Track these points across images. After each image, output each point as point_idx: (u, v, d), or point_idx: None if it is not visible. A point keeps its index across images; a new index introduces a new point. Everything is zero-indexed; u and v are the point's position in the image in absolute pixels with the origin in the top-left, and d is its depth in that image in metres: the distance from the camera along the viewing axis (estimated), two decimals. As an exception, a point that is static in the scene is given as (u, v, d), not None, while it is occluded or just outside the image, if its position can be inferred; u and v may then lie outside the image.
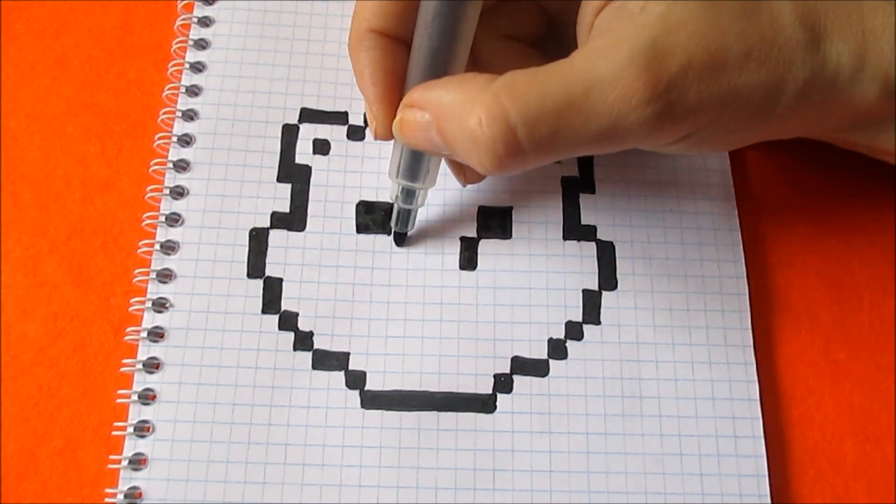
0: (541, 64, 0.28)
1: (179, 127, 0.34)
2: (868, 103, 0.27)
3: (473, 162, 0.25)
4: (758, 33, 0.25)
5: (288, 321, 0.31)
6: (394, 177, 0.30)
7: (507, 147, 0.24)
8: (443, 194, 0.34)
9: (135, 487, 0.29)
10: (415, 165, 0.29)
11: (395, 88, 0.28)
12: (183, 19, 0.36)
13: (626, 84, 0.24)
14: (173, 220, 0.32)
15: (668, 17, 0.24)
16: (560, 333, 0.32)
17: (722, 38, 0.24)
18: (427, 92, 0.26)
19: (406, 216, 0.32)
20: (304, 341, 0.31)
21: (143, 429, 0.29)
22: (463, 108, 0.25)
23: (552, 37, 0.31)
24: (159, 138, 0.34)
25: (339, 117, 0.35)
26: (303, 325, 0.31)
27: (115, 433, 0.29)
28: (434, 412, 0.30)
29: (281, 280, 0.32)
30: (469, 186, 0.34)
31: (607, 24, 0.26)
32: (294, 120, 0.35)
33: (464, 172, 0.32)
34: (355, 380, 0.31)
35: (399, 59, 0.28)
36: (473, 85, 0.25)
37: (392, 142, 0.29)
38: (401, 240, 0.33)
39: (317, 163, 0.34)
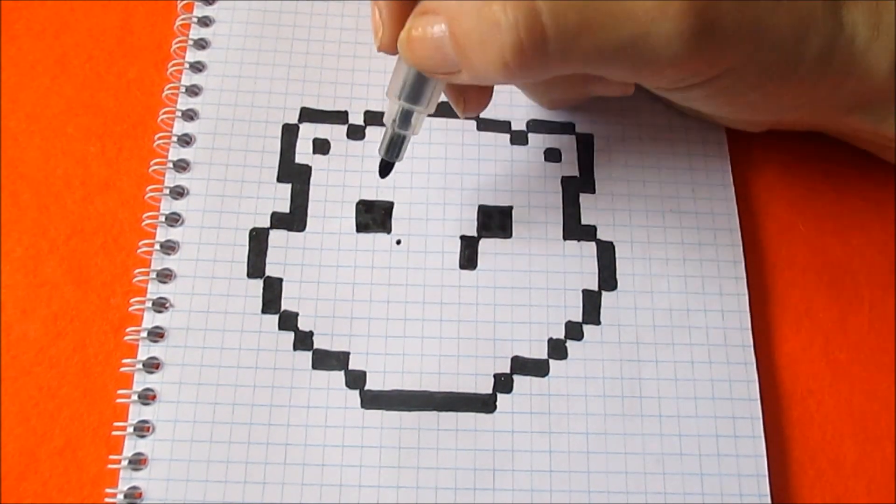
0: None
1: (179, 127, 0.34)
2: (880, 77, 0.27)
3: (491, 59, 0.23)
4: None
5: (288, 321, 0.31)
6: (394, 96, 0.28)
7: (530, 33, 0.22)
8: (443, 193, 0.34)
9: (135, 487, 0.29)
10: (420, 85, 0.27)
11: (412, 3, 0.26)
12: (183, 19, 0.36)
13: None
14: (173, 220, 0.32)
15: None
16: (560, 333, 0.32)
17: None
18: None
19: (399, 143, 0.29)
20: (304, 341, 0.31)
21: (143, 429, 0.29)
22: (483, 2, 0.23)
23: None
24: (159, 138, 0.34)
25: (339, 117, 0.35)
26: (303, 324, 0.31)
27: (115, 433, 0.29)
28: (434, 412, 0.30)
29: (281, 280, 0.32)
30: (469, 185, 0.34)
31: None
32: (294, 120, 0.35)
33: (464, 99, 0.30)
34: (355, 379, 0.31)
35: None
36: None
37: (397, 57, 0.28)
38: (387, 170, 0.31)
39: (317, 162, 0.34)
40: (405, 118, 0.29)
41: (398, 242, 0.33)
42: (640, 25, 0.23)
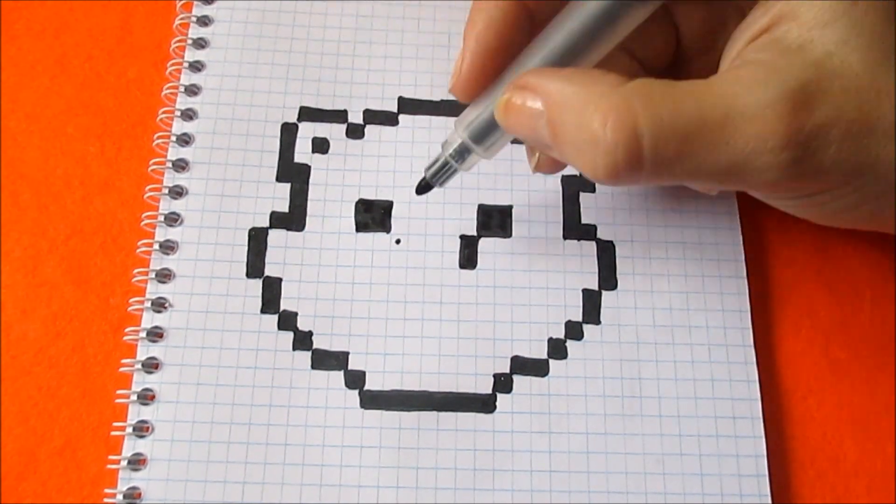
0: None
1: (178, 126, 0.34)
2: None
3: (584, 164, 0.23)
4: None
5: (287, 321, 0.31)
6: (460, 129, 0.28)
7: (628, 156, 0.22)
8: (442, 193, 0.34)
9: (134, 487, 0.29)
10: (489, 130, 0.27)
11: (497, 54, 0.26)
12: (182, 18, 0.36)
13: (767, 122, 0.22)
14: (172, 219, 0.32)
15: (826, 64, 0.23)
16: (560, 333, 0.32)
17: (877, 102, 0.23)
18: (546, 79, 0.24)
19: (447, 173, 0.29)
20: (303, 341, 0.31)
21: (142, 429, 0.29)
22: (586, 104, 0.23)
23: (674, 70, 0.29)
24: (158, 138, 0.34)
25: (338, 116, 0.35)
26: (302, 324, 0.31)
27: (114, 433, 0.29)
28: (433, 412, 0.30)
29: (280, 280, 0.32)
30: (469, 185, 0.33)
31: (756, 55, 0.24)
32: (293, 119, 0.35)
33: (541, 160, 0.29)
34: (354, 379, 0.31)
35: (518, 31, 0.26)
36: (602, 82, 0.23)
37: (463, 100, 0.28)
38: (426, 190, 0.30)
39: (316, 162, 0.34)
40: (462, 153, 0.28)
41: (398, 242, 0.33)
42: (739, 154, 0.23)
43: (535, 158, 0.29)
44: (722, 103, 0.22)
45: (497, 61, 0.26)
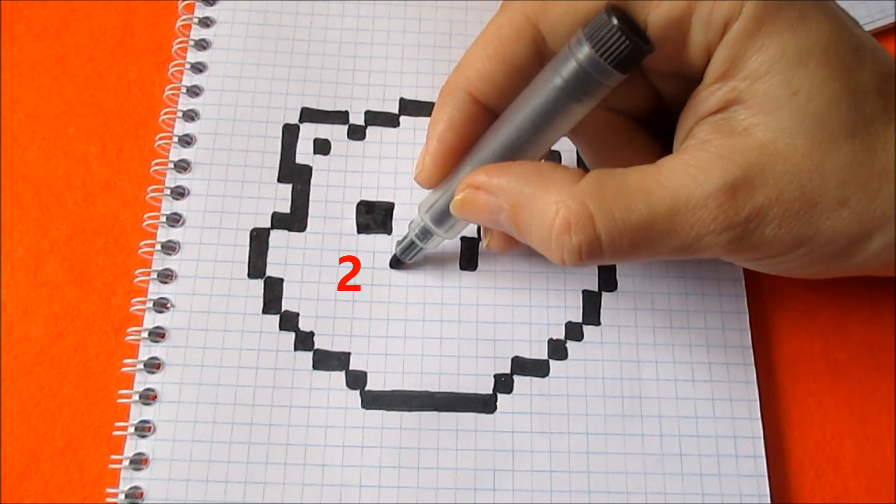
0: (638, 139, 0.28)
1: (180, 127, 0.34)
2: None
3: (549, 255, 0.26)
4: (862, 184, 0.24)
5: (289, 321, 0.31)
6: (422, 212, 0.30)
7: (590, 252, 0.25)
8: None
9: (136, 487, 0.29)
10: (446, 216, 0.29)
11: (457, 150, 0.28)
12: (184, 20, 0.36)
13: (709, 210, 0.24)
14: (174, 220, 0.33)
15: (769, 147, 0.24)
16: (560, 334, 0.32)
17: (820, 182, 0.24)
18: (499, 178, 0.26)
19: (414, 251, 0.32)
20: (304, 341, 0.31)
21: (144, 429, 0.29)
22: (546, 206, 0.25)
23: (659, 117, 0.30)
24: (160, 138, 0.34)
25: (340, 117, 0.35)
26: (303, 325, 0.31)
27: (116, 433, 0.29)
28: (434, 412, 0.30)
29: (282, 280, 0.32)
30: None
31: (705, 135, 0.25)
32: (294, 120, 0.35)
33: (491, 239, 0.31)
34: (356, 380, 0.31)
35: (477, 127, 0.28)
36: (554, 181, 0.25)
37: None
38: (397, 266, 0.33)
39: (317, 163, 0.34)
40: (425, 233, 0.30)
41: (399, 243, 0.33)
42: (685, 239, 0.25)
43: (489, 239, 0.31)
44: (669, 196, 0.24)
45: (458, 155, 0.28)
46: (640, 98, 0.29)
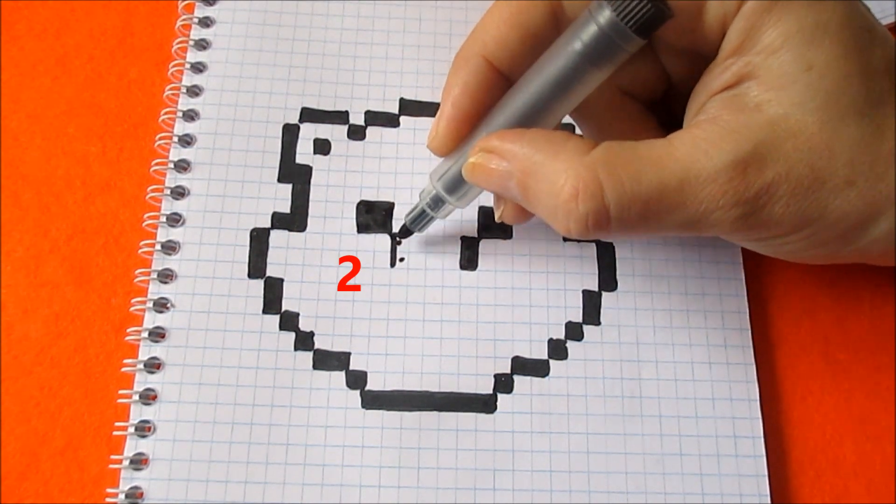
0: (647, 126, 0.28)
1: (180, 127, 0.34)
2: None
3: (556, 224, 0.25)
4: (869, 163, 0.24)
5: (289, 321, 0.31)
6: (434, 180, 0.30)
7: (597, 222, 0.24)
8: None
9: (136, 487, 0.29)
10: (460, 182, 0.29)
11: (472, 116, 0.28)
12: (184, 20, 0.36)
13: (719, 184, 0.24)
14: (174, 220, 0.33)
15: (780, 124, 0.24)
16: (560, 334, 0.32)
17: (829, 160, 0.24)
18: (512, 144, 0.26)
19: (424, 220, 0.31)
20: (304, 341, 0.31)
21: (144, 429, 0.29)
22: (556, 173, 0.25)
23: (666, 102, 0.30)
24: (160, 138, 0.34)
25: (340, 117, 0.35)
26: (304, 325, 0.31)
27: (116, 433, 0.29)
28: (435, 412, 0.30)
29: (282, 280, 0.32)
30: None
31: (717, 111, 0.25)
32: (295, 120, 0.35)
33: (504, 209, 0.30)
34: (356, 380, 0.31)
35: (492, 93, 0.28)
36: (566, 149, 0.25)
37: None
38: (405, 235, 0.32)
39: (317, 163, 0.34)
40: (436, 202, 0.30)
41: (399, 243, 0.33)
42: (694, 213, 0.24)
43: (501, 209, 0.30)
44: (679, 168, 0.24)
45: (472, 121, 0.28)
46: (651, 79, 0.29)
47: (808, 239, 0.26)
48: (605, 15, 0.24)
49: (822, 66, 0.24)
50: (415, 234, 0.32)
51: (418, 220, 0.31)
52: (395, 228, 0.33)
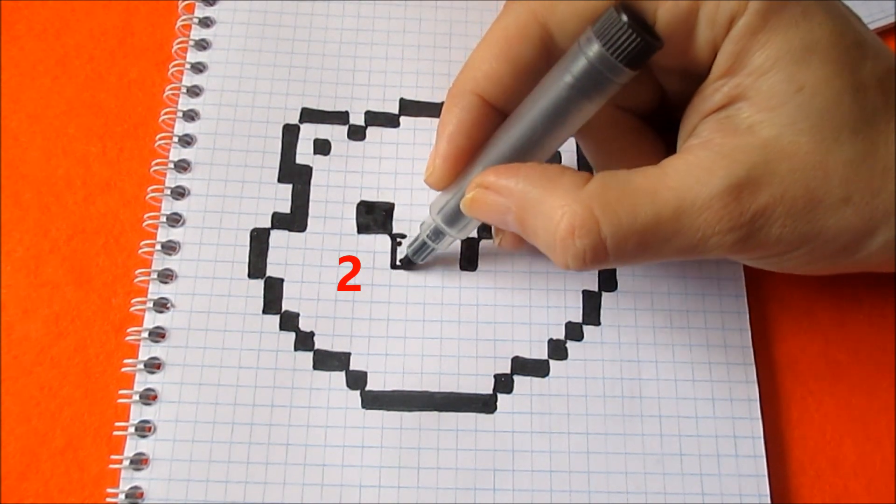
0: (644, 138, 0.28)
1: (180, 127, 0.34)
2: None
3: (554, 258, 0.26)
4: (865, 181, 0.24)
5: (289, 321, 0.31)
6: (434, 213, 0.30)
7: (595, 256, 0.25)
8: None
9: (136, 487, 0.29)
10: (459, 216, 0.29)
11: (468, 151, 0.28)
12: (184, 20, 0.36)
13: (714, 211, 0.24)
14: (174, 220, 0.33)
15: (773, 145, 0.24)
16: (560, 334, 0.32)
17: (824, 179, 0.24)
18: (507, 180, 0.26)
19: (425, 251, 0.32)
20: (304, 341, 0.31)
21: (144, 429, 0.29)
22: (552, 209, 0.25)
23: (663, 114, 0.30)
24: (160, 139, 0.34)
25: (340, 117, 0.35)
26: (304, 325, 0.31)
27: (116, 433, 0.29)
28: (435, 412, 0.30)
29: (282, 280, 0.32)
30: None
31: (709, 134, 0.25)
32: (295, 120, 0.35)
33: (503, 238, 0.31)
34: (356, 380, 0.31)
35: (486, 128, 0.28)
36: (561, 184, 0.25)
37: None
38: (408, 267, 0.33)
39: (317, 163, 0.34)
40: (437, 234, 0.31)
41: (399, 243, 0.33)
42: (691, 240, 0.25)
43: (500, 238, 0.31)
44: (674, 197, 0.24)
45: (468, 155, 0.28)
46: (646, 95, 0.29)
47: (808, 255, 0.26)
48: (594, 49, 0.24)
49: (812, 85, 0.24)
50: (417, 264, 0.32)
51: (420, 252, 0.32)
52: (395, 229, 0.33)
